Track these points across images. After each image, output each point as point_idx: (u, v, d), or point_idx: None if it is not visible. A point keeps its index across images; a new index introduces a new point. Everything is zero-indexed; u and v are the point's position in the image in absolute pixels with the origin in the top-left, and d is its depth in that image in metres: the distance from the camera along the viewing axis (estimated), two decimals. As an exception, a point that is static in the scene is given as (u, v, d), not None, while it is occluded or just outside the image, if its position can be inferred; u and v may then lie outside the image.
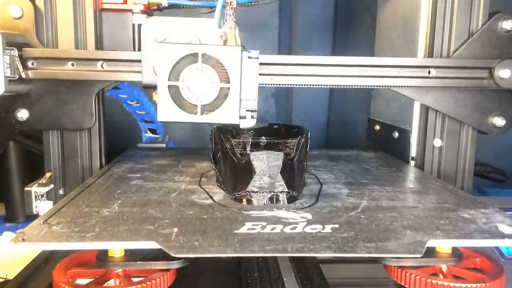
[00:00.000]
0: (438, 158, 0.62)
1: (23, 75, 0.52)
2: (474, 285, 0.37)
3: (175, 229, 0.36)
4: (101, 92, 0.57)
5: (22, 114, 0.54)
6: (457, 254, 0.39)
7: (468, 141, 0.62)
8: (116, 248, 0.35)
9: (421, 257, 0.37)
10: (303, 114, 1.10)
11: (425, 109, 0.63)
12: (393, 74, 0.56)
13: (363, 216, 0.40)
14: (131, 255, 0.37)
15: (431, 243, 0.35)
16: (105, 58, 0.54)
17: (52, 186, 0.57)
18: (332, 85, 0.56)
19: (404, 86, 0.57)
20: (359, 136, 0.94)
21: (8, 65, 0.50)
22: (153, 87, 0.49)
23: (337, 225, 0.37)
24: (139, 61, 0.52)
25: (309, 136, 0.54)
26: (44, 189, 0.56)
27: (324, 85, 0.56)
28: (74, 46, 0.55)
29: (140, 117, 0.83)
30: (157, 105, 0.45)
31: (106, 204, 0.42)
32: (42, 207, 0.55)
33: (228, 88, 0.45)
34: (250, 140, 0.49)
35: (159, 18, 0.52)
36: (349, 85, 0.56)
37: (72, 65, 0.53)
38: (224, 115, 0.45)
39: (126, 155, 0.67)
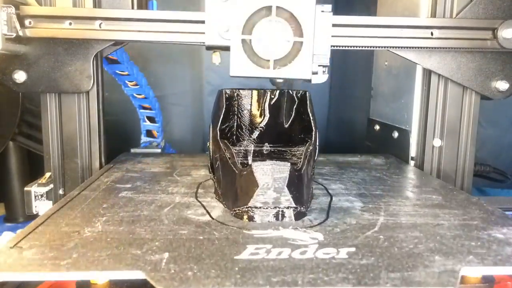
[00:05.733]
0: (438, 158, 0.61)
1: (21, 33, 0.51)
2: (512, 318, 0.32)
3: (166, 255, 0.31)
4: (99, 55, 0.57)
5: (20, 76, 0.54)
6: (488, 279, 0.34)
7: (468, 141, 0.61)
8: (95, 279, 0.30)
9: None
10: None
11: (425, 109, 0.61)
12: (395, 35, 0.54)
13: (382, 237, 0.35)
14: (117, 283, 0.32)
15: (464, 271, 0.30)
16: (103, 16, 0.52)
17: (51, 186, 0.57)
18: (331, 46, 0.53)
19: (406, 47, 0.55)
20: (359, 136, 0.93)
21: (5, 22, 0.49)
22: (216, 48, 0.49)
23: (353, 249, 0.32)
24: (138, 20, 0.51)
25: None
26: (44, 189, 0.55)
27: None
28: (71, 6, 0.54)
29: (138, 102, 0.79)
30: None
31: (89, 222, 0.37)
32: (41, 207, 0.54)
33: (301, 43, 0.44)
34: (252, 148, 0.44)
35: None
36: (348, 46, 0.53)
37: (70, 24, 0.52)
38: (297, 70, 0.45)
39: (117, 161, 0.62)
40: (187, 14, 0.51)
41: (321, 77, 0.47)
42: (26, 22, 0.51)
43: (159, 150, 0.72)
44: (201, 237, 0.34)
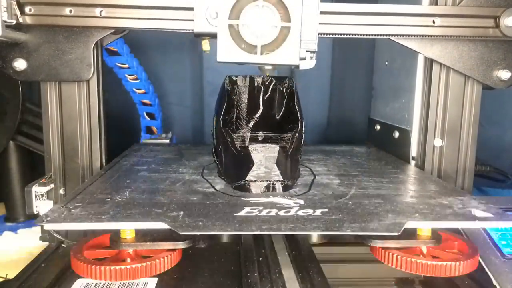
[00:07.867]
0: (439, 158, 0.62)
1: (21, 20, 0.51)
2: (449, 263, 0.41)
3: (181, 212, 0.40)
4: (99, 43, 0.57)
5: (20, 64, 0.53)
6: (436, 236, 0.43)
7: (469, 141, 0.61)
8: (129, 228, 0.39)
9: (403, 239, 0.41)
10: (303, 113, 1.09)
11: (426, 109, 0.63)
12: (396, 23, 0.54)
13: (350, 202, 0.44)
14: (142, 237, 0.42)
15: (409, 224, 0.39)
16: (103, 3, 0.52)
17: (52, 185, 0.57)
18: (331, 34, 0.54)
19: (407, 36, 0.55)
20: (359, 136, 0.96)
21: (5, 9, 0.48)
22: (205, 35, 0.49)
23: (326, 209, 0.42)
24: (139, 7, 0.52)
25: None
26: (45, 189, 0.56)
27: (322, 34, 0.53)
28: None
29: (138, 98, 0.82)
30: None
31: (118, 191, 0.46)
32: (42, 206, 0.55)
33: (289, 28, 0.44)
34: (249, 135, 0.53)
35: None
36: (349, 33, 0.54)
37: (70, 11, 0.52)
38: (284, 56, 0.45)
39: (132, 149, 0.71)
40: (175, 1, 0.51)
41: (309, 63, 0.47)
42: (27, 9, 0.51)
43: (167, 141, 0.81)
44: (208, 202, 0.44)
